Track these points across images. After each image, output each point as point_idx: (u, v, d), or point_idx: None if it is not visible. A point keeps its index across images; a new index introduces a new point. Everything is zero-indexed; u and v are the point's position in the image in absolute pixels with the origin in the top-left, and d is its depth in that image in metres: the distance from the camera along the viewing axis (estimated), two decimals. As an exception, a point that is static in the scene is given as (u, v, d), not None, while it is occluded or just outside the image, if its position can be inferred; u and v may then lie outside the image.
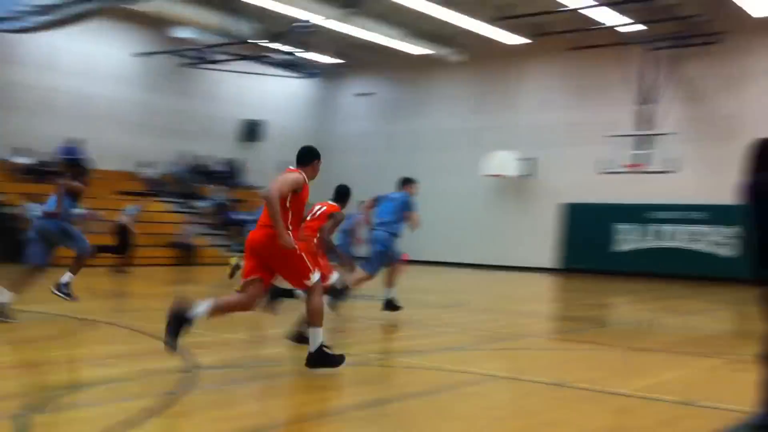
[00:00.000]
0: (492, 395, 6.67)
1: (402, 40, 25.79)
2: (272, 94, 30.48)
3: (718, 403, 6.42)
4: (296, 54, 25.72)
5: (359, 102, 31.74)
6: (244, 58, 26.52)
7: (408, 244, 31.10)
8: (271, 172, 30.23)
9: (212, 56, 26.29)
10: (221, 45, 25.48)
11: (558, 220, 26.20)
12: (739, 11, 22.26)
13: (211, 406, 5.74)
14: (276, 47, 25.66)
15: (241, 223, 20.86)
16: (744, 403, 6.32)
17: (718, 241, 23.11)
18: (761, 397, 5.22)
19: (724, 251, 22.98)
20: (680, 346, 10.28)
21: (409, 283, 20.89)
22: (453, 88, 29.44)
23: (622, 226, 24.28)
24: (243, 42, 24.90)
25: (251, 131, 29.61)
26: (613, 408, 6.32)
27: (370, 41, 27.49)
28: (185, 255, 23.66)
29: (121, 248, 19.70)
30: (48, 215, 9.91)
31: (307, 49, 25.46)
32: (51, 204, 9.96)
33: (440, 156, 29.35)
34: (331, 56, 27.76)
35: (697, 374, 7.98)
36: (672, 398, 6.52)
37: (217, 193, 27.03)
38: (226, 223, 26.31)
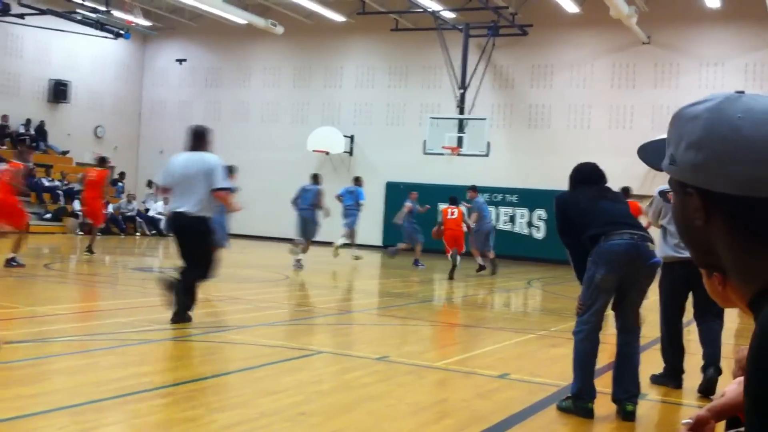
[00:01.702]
0: (314, 370, 6.65)
1: (221, 8, 25.10)
2: (80, 54, 28.72)
3: (530, 376, 6.71)
4: (102, 12, 24.38)
5: (178, 69, 30.67)
6: (48, 12, 24.85)
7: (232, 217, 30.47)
8: (78, 135, 28.73)
9: (14, 9, 24.47)
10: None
11: (384, 198, 26.55)
12: (550, 6, 23.41)
13: (17, 381, 5.34)
14: (81, 2, 24.23)
15: (51, 190, 19.85)
16: (554, 377, 6.66)
17: (530, 223, 24.35)
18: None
19: (535, 233, 24.24)
20: (495, 322, 10.71)
21: (231, 258, 20.52)
22: (276, 60, 29.07)
23: (443, 206, 25.02)
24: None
25: (57, 92, 27.80)
26: (433, 381, 6.48)
27: (189, 5, 26.63)
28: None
29: None
30: None
31: (111, 6, 24.14)
32: None
33: (265, 128, 28.96)
34: (143, 18, 26.55)
35: (510, 349, 8.33)
36: (487, 372, 6.76)
37: (20, 157, 25.27)
38: (31, 190, 24.73)
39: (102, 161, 17.63)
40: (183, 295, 8.02)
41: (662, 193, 6.64)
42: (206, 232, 8.32)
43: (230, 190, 8.82)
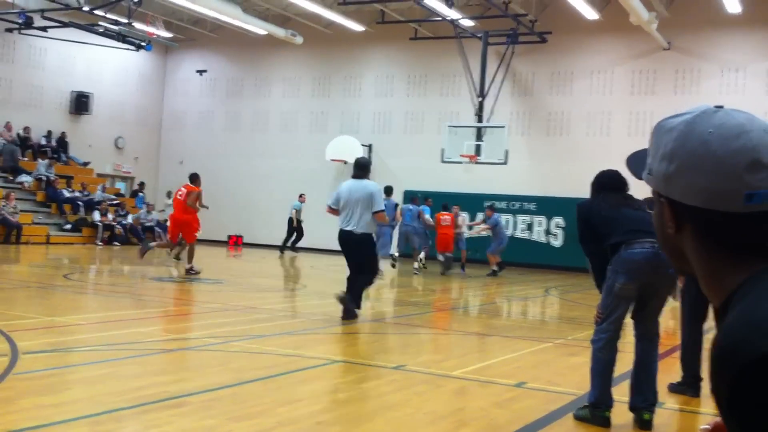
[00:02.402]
0: (331, 379, 6.66)
1: (241, 19, 25.27)
2: (102, 66, 29.01)
3: (547, 385, 6.68)
4: (125, 24, 24.61)
5: (199, 79, 30.89)
6: (71, 25, 25.11)
7: (248, 227, 30.72)
8: (99, 147, 28.97)
9: (36, 22, 24.73)
10: (47, 11, 24.03)
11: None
12: (570, 13, 23.35)
13: (37, 391, 5.39)
14: (103, 15, 24.46)
15: (71, 201, 20.11)
16: (571, 385, 6.62)
17: (548, 231, 24.24)
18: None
19: (553, 241, 24.12)
20: (512, 331, 10.67)
21: (248, 267, 20.61)
22: (295, 70, 29.19)
23: (461, 215, 24.99)
24: (69, 8, 23.59)
25: (78, 104, 28.06)
26: (450, 390, 6.46)
27: (209, 17, 26.86)
28: (8, 233, 22.27)
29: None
30: None
31: (133, 19, 24.34)
32: None
33: (284, 137, 29.08)
34: (164, 29, 26.78)
35: (528, 358, 8.29)
36: (505, 381, 6.74)
37: (195, 182, 25.18)
38: (51, 200, 24.96)
39: (194, 178, 15.99)
40: (353, 300, 10.00)
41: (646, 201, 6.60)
42: (369, 246, 10.04)
43: (384, 210, 10.32)
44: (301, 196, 25.79)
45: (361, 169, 10.17)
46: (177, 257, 18.04)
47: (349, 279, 10.16)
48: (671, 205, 1.18)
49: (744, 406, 0.99)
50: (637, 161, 1.41)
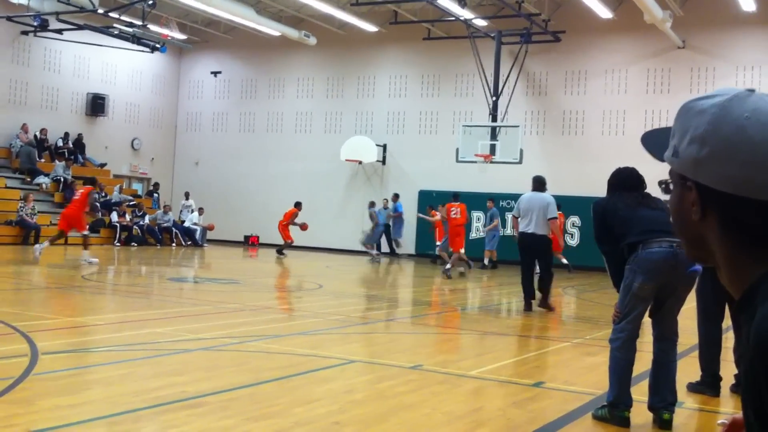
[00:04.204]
0: (348, 379, 6.65)
1: (255, 21, 25.33)
2: (117, 68, 29.16)
3: (565, 385, 6.66)
4: (139, 26, 24.71)
5: (213, 81, 30.99)
6: (86, 28, 25.25)
7: (263, 227, 30.80)
8: (116, 148, 29.11)
9: (52, 24, 24.87)
10: (62, 13, 24.17)
11: (417, 206, 26.53)
12: (583, 12, 23.27)
13: (56, 391, 5.42)
14: (118, 18, 24.59)
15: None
16: (589, 385, 6.60)
17: (564, 230, 24.11)
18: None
19: (569, 240, 24.01)
20: (529, 330, 10.64)
21: (264, 267, 20.67)
22: (309, 71, 29.23)
23: (476, 214, 24.94)
24: (84, 11, 23.70)
25: (94, 105, 28.21)
26: (467, 390, 6.45)
27: (223, 19, 26.94)
28: (26, 234, 22.42)
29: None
30: None
31: (147, 21, 24.43)
32: None
33: (298, 138, 29.13)
34: (178, 31, 26.89)
35: (545, 357, 8.27)
36: (522, 380, 6.72)
37: (59, 170, 25.70)
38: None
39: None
40: (544, 297, 12.16)
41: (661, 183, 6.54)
42: (546, 244, 12.00)
43: (557, 218, 12.08)
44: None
45: (540, 183, 12.18)
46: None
47: (523, 284, 12.17)
48: (699, 190, 1.14)
49: None
50: (655, 140, 1.34)
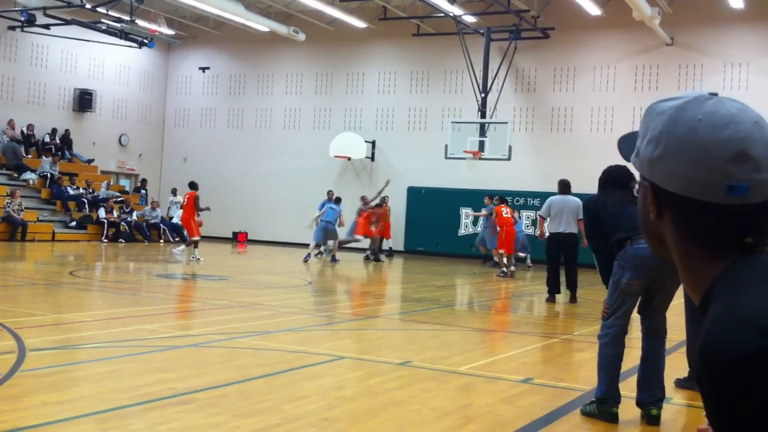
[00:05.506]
0: (337, 375, 6.65)
1: (244, 16, 25.24)
2: (105, 64, 28.98)
3: (554, 381, 6.68)
4: (127, 21, 24.57)
5: (201, 77, 30.86)
6: (73, 23, 25.10)
7: (252, 224, 30.72)
8: (103, 144, 28.96)
9: (39, 19, 24.73)
10: (49, 8, 24.02)
11: (405, 203, 26.54)
12: (572, 9, 23.30)
13: (44, 388, 5.39)
14: (106, 13, 24.45)
15: (76, 198, 20.31)
16: (578, 381, 6.62)
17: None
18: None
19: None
20: (518, 327, 10.67)
21: (253, 264, 20.63)
22: (298, 67, 29.16)
23: (466, 210, 24.98)
24: (72, 5, 23.58)
25: (82, 101, 28.04)
26: (456, 386, 6.45)
27: (212, 14, 26.83)
28: (13, 231, 22.30)
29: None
30: None
31: (135, 16, 24.31)
32: None
33: (287, 134, 29.06)
34: (166, 27, 26.75)
35: (534, 353, 8.28)
36: (511, 377, 6.73)
37: (46, 166, 25.58)
38: (56, 198, 24.97)
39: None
40: (574, 290, 13.40)
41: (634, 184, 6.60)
42: (575, 243, 13.04)
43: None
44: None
45: (567, 187, 13.33)
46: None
47: (548, 280, 13.47)
48: (653, 189, 1.16)
49: (731, 404, 0.97)
50: (628, 143, 1.40)
